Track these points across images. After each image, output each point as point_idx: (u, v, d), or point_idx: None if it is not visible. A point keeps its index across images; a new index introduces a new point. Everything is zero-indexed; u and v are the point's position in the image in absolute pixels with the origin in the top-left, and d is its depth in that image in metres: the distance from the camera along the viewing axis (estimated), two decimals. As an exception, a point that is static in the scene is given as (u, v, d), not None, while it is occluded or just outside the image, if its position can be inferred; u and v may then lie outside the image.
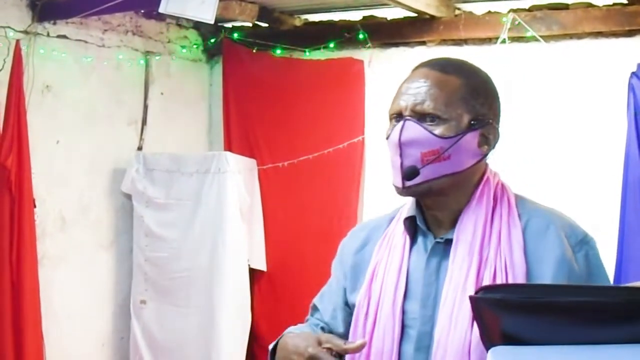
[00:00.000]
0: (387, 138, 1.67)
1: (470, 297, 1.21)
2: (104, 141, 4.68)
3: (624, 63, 3.94)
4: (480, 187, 1.68)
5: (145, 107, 4.93)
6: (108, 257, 4.77)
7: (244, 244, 4.65)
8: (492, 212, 1.65)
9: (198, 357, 4.53)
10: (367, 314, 1.70)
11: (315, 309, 1.88)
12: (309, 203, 4.81)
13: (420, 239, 1.71)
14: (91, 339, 4.71)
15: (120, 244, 4.82)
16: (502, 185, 1.71)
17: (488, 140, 1.67)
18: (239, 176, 4.60)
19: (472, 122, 1.64)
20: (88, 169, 4.61)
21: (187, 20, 4.89)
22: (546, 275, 1.57)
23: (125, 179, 4.69)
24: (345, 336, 1.72)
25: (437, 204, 1.68)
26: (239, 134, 5.02)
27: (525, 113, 4.20)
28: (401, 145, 1.63)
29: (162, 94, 5.03)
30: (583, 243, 1.63)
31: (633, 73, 3.89)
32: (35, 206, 4.14)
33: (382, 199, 4.61)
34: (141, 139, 4.90)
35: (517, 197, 1.71)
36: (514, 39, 4.24)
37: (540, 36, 4.16)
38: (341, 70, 4.75)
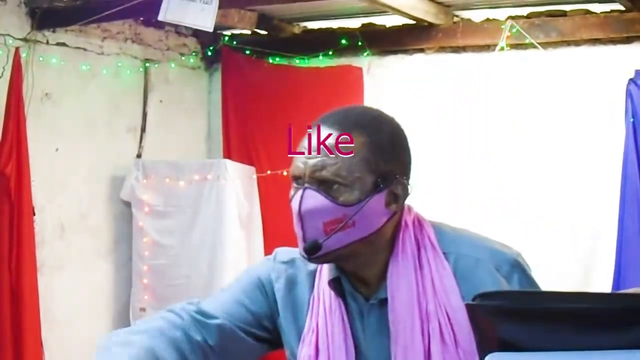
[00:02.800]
0: (290, 202, 1.55)
1: (467, 305, 1.21)
2: (103, 149, 4.68)
3: (621, 70, 3.96)
4: (400, 235, 1.56)
5: (144, 114, 4.93)
6: (107, 265, 4.77)
7: (242, 252, 4.65)
8: (418, 259, 1.55)
9: (197, 364, 4.52)
10: None
11: (196, 305, 1.69)
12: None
13: (351, 301, 1.59)
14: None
15: (119, 252, 4.81)
16: (419, 221, 1.60)
17: (397, 197, 1.54)
18: (238, 183, 4.60)
19: (378, 182, 1.51)
20: (87, 176, 4.61)
21: (186, 27, 4.89)
22: None
23: (125, 186, 4.69)
24: (212, 334, 1.61)
25: (357, 266, 1.57)
26: (238, 142, 5.02)
27: (524, 120, 4.20)
28: (302, 216, 1.51)
29: (161, 101, 5.03)
30: (514, 268, 1.55)
31: (631, 80, 3.91)
32: (34, 214, 4.14)
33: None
34: (140, 146, 4.91)
35: (435, 229, 1.59)
36: (512, 46, 4.25)
37: (539, 43, 4.17)
38: (340, 77, 4.75)
